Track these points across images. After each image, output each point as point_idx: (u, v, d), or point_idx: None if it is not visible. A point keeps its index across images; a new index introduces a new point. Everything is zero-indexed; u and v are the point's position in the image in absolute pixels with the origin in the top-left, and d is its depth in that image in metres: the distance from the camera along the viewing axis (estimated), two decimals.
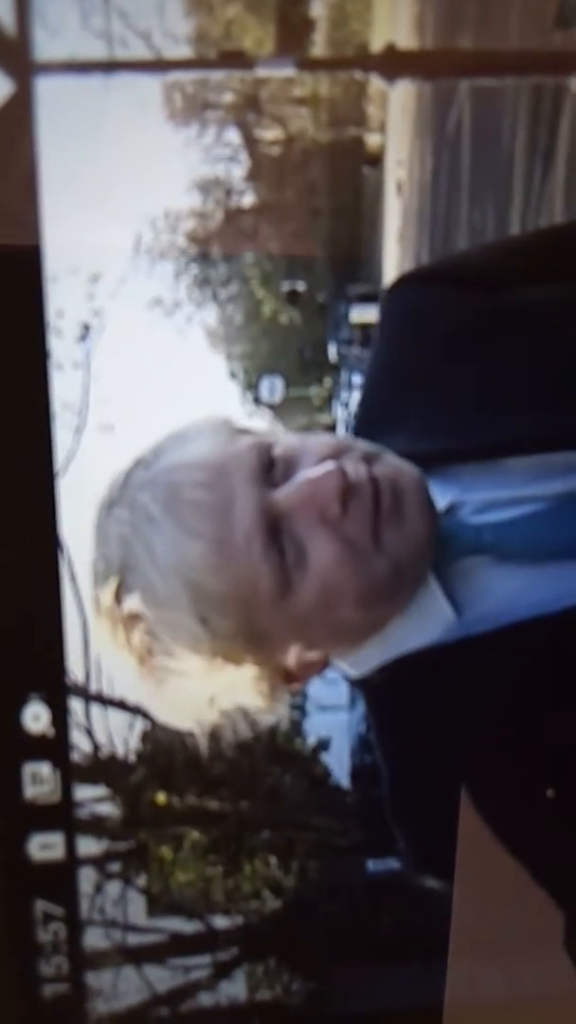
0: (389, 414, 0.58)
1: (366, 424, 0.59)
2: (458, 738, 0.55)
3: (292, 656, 0.54)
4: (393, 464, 0.52)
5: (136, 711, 0.63)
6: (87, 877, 0.64)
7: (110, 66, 0.62)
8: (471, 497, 0.55)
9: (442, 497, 0.54)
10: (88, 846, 0.63)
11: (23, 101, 0.57)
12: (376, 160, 0.77)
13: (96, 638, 0.54)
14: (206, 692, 0.52)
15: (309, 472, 0.50)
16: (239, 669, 0.52)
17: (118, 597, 0.52)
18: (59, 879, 0.58)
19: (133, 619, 0.52)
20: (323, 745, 0.67)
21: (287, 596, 0.50)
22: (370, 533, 0.50)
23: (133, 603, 0.51)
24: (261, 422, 0.60)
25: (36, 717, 0.57)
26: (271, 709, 0.55)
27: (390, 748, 0.58)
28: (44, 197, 0.57)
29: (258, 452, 0.50)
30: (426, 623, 0.54)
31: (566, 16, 0.62)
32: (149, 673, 0.53)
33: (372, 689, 0.56)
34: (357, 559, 0.50)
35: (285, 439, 0.52)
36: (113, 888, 0.66)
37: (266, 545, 0.49)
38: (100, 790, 0.65)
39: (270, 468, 0.50)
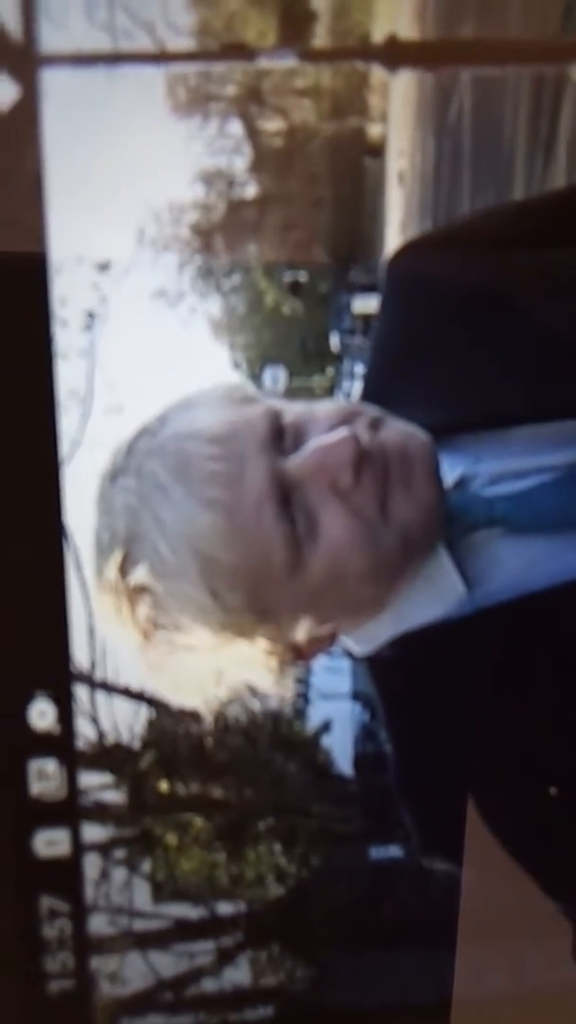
0: (395, 384, 0.57)
1: (373, 395, 0.59)
2: (466, 716, 0.55)
3: (301, 630, 0.53)
4: (401, 430, 0.52)
5: (141, 698, 0.63)
6: (93, 864, 0.64)
7: (114, 58, 0.62)
8: (481, 469, 0.55)
9: (452, 470, 0.54)
10: (94, 833, 0.64)
11: (29, 97, 0.57)
12: (378, 150, 0.77)
13: (99, 614, 0.53)
14: (212, 668, 0.52)
15: (321, 439, 0.49)
16: (247, 644, 0.51)
17: (123, 569, 0.51)
18: (65, 875, 0.58)
19: (139, 592, 0.51)
20: (325, 729, 0.67)
21: (297, 569, 0.49)
22: (378, 503, 0.49)
23: (140, 575, 0.50)
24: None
25: (42, 714, 0.58)
26: (278, 686, 0.55)
27: (397, 726, 0.58)
28: (49, 193, 0.57)
29: (268, 420, 0.50)
30: (436, 597, 0.54)
31: (571, 18, 0.62)
32: (154, 649, 0.52)
33: (380, 666, 0.56)
34: (367, 530, 0.50)
35: (293, 407, 0.51)
36: (119, 875, 0.67)
37: (277, 513, 0.48)
38: (105, 778, 0.65)
39: (280, 436, 0.50)
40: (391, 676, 0.57)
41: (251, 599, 0.50)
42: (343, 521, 0.49)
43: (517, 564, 0.54)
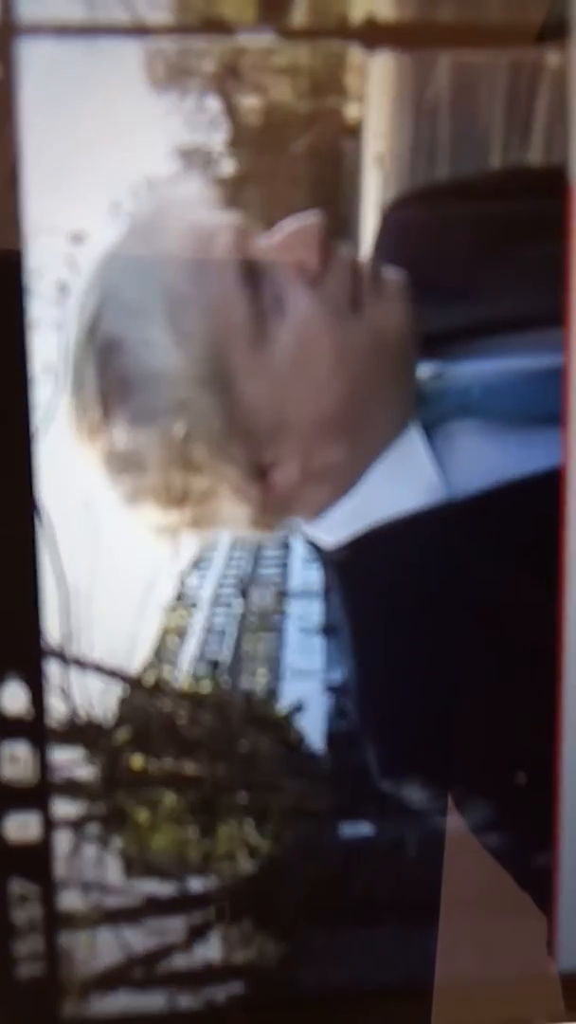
0: None
1: None
2: (433, 619, 0.54)
3: (267, 451, 0.52)
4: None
5: (114, 675, 0.63)
6: (64, 841, 0.64)
7: (91, 30, 0.62)
8: (458, 367, 0.55)
9: (429, 365, 0.55)
10: (66, 810, 0.64)
11: (6, 68, 0.57)
12: (356, 131, 0.77)
13: (84, 460, 0.52)
14: (178, 452, 0.51)
15: (291, 223, 0.50)
16: (213, 432, 0.50)
17: (92, 329, 0.51)
18: (35, 859, 0.58)
19: (109, 352, 0.51)
20: (298, 708, 0.67)
21: (262, 343, 0.49)
22: (349, 296, 0.50)
23: (105, 326, 0.49)
24: None
25: (13, 697, 0.58)
26: (239, 513, 0.54)
27: (359, 631, 0.57)
28: (25, 166, 0.56)
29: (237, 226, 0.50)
30: (407, 482, 0.54)
31: (546, 33, 0.63)
32: (126, 429, 0.51)
33: (344, 566, 0.56)
34: (336, 316, 0.50)
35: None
36: (90, 851, 0.67)
37: (242, 280, 0.49)
38: (78, 754, 0.65)
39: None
40: (356, 576, 0.56)
41: (216, 358, 0.49)
42: (310, 302, 0.50)
43: (488, 456, 0.54)
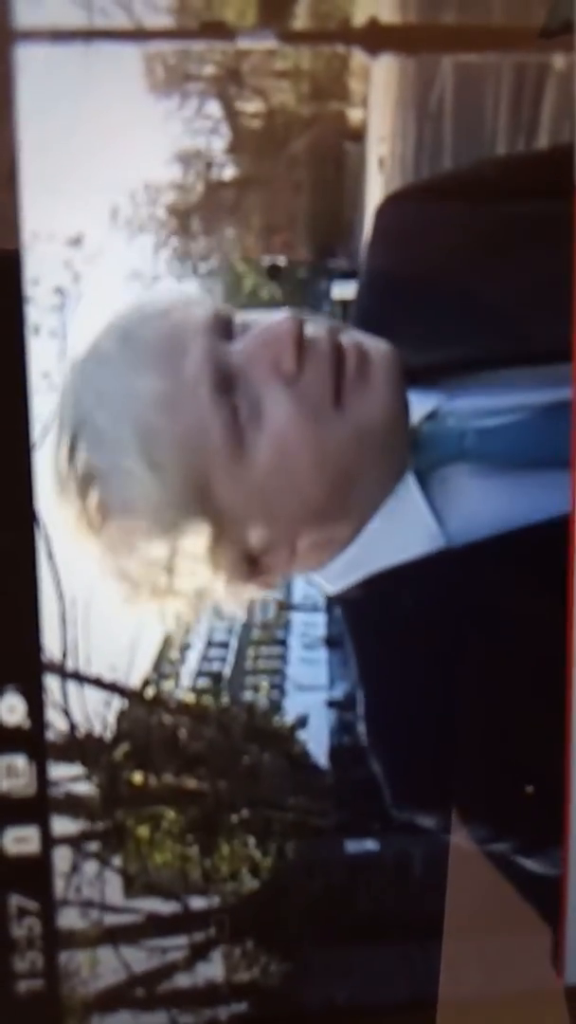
0: (379, 327, 0.57)
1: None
2: (439, 659, 0.54)
3: (253, 534, 0.52)
4: (360, 336, 0.51)
5: (114, 688, 0.62)
6: (63, 858, 0.63)
7: (90, 35, 0.61)
8: (455, 404, 0.54)
9: (425, 403, 0.53)
10: (65, 827, 0.63)
11: (4, 72, 0.56)
12: (358, 135, 0.76)
13: (60, 528, 0.52)
14: (164, 569, 0.50)
15: (264, 322, 0.49)
16: (197, 545, 0.50)
17: (71, 455, 0.50)
18: (34, 873, 0.58)
19: (88, 480, 0.50)
20: (301, 722, 0.66)
21: (240, 454, 0.48)
22: (331, 395, 0.49)
23: (82, 454, 0.49)
24: None
25: (11, 709, 0.57)
26: (236, 599, 0.54)
27: (368, 668, 0.57)
28: (23, 170, 0.56)
29: (217, 311, 0.49)
30: (406, 532, 0.53)
31: (551, 26, 0.62)
32: (110, 548, 0.51)
33: (351, 606, 0.55)
34: (315, 419, 0.49)
35: (249, 313, 0.51)
36: (90, 869, 0.66)
37: (216, 394, 0.48)
38: (77, 769, 0.64)
39: (227, 326, 0.50)
40: (362, 615, 0.56)
41: (194, 481, 0.49)
42: (287, 407, 0.49)
43: (488, 501, 0.54)
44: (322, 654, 0.66)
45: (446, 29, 0.73)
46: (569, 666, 0.53)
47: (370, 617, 0.57)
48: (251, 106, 0.68)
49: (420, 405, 0.55)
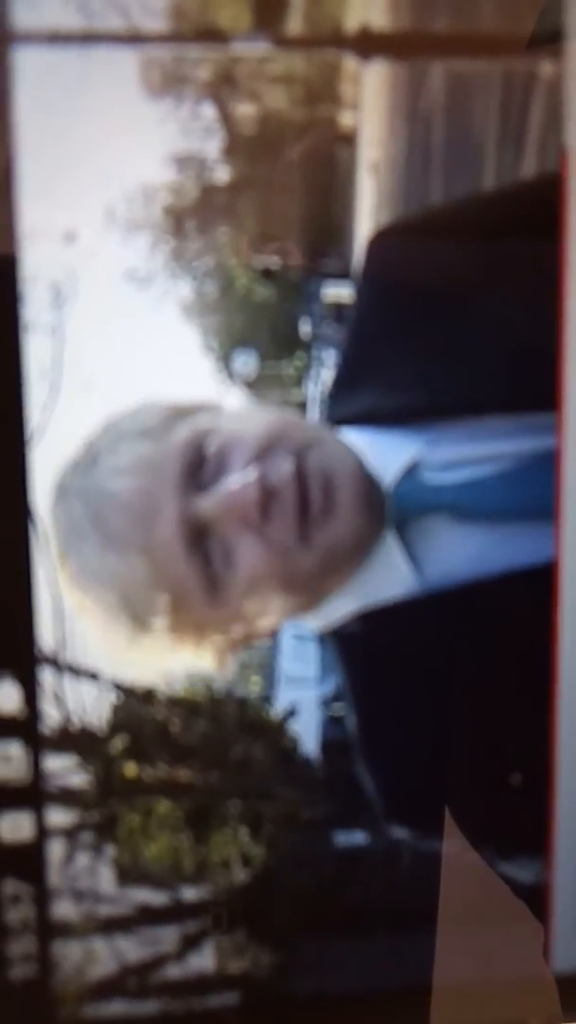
0: (365, 370, 0.58)
1: (344, 378, 0.59)
2: (423, 688, 0.56)
3: (235, 632, 0.55)
4: (329, 455, 0.53)
5: (107, 681, 0.63)
6: (57, 848, 0.64)
7: (87, 38, 0.62)
8: (434, 453, 0.56)
9: (405, 451, 0.55)
10: (58, 817, 0.63)
11: (1, 75, 0.57)
12: (350, 139, 0.77)
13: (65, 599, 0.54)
14: (157, 651, 0.53)
15: (230, 482, 0.51)
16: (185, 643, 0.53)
17: (61, 561, 0.53)
18: (28, 859, 0.58)
19: (71, 583, 0.53)
20: (291, 714, 0.67)
21: (217, 594, 0.51)
22: (296, 534, 0.51)
23: (68, 570, 0.52)
24: (208, 394, 0.60)
25: (5, 696, 0.57)
26: (222, 669, 0.56)
27: (358, 694, 0.59)
28: (20, 172, 0.56)
29: (186, 454, 0.51)
30: (386, 580, 0.55)
31: (540, 34, 0.63)
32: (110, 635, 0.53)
33: (339, 637, 0.57)
34: (285, 556, 0.51)
35: (225, 423, 0.52)
36: (83, 859, 0.66)
37: (190, 553, 0.51)
38: (71, 761, 0.64)
39: (199, 467, 0.51)
40: (350, 646, 0.58)
41: (175, 621, 0.52)
42: (258, 552, 0.51)
43: (465, 551, 0.56)
44: (313, 648, 0.67)
45: (437, 36, 0.75)
46: (552, 698, 0.54)
47: (356, 649, 0.59)
48: (245, 110, 0.69)
49: (399, 454, 0.56)
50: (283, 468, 0.52)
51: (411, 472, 0.55)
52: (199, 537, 0.52)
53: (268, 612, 0.57)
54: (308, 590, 0.56)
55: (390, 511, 0.54)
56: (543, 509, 0.52)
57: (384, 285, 0.60)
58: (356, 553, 0.56)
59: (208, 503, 0.52)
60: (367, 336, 0.61)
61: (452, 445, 0.56)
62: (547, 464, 0.52)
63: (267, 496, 0.52)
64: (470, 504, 0.54)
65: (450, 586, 0.56)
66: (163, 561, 0.52)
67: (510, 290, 0.58)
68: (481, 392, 0.57)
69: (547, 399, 0.53)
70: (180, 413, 0.55)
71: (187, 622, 0.54)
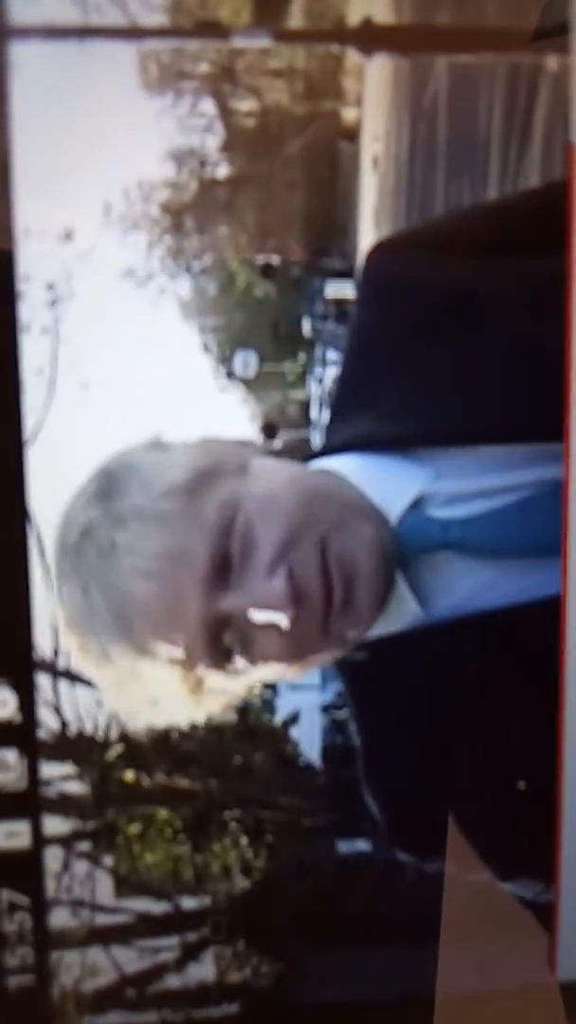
0: (366, 391, 0.57)
1: (344, 401, 0.59)
2: (430, 718, 0.55)
3: (238, 688, 0.55)
4: (349, 547, 0.52)
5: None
6: (54, 857, 0.63)
7: (84, 32, 0.61)
8: (440, 487, 0.55)
9: (410, 483, 0.54)
10: (56, 826, 0.62)
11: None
12: (353, 135, 0.76)
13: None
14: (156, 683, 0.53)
15: (258, 585, 0.50)
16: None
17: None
18: (25, 868, 0.57)
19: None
20: (293, 720, 0.66)
21: (227, 668, 0.51)
22: (319, 627, 0.50)
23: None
24: (228, 445, 0.58)
25: (2, 702, 0.57)
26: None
27: (364, 721, 0.58)
28: (16, 168, 0.56)
29: (214, 547, 0.50)
30: (393, 615, 0.55)
31: (545, 28, 0.62)
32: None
33: (346, 665, 0.57)
34: (304, 647, 0.51)
35: (249, 494, 0.51)
36: (80, 868, 0.65)
37: (209, 643, 0.50)
38: (68, 768, 0.64)
39: (224, 568, 0.50)
40: (356, 674, 0.57)
41: (183, 673, 0.51)
42: (278, 644, 0.51)
43: (470, 585, 0.55)
44: None
45: (440, 30, 0.73)
46: (559, 727, 0.53)
47: (362, 678, 0.58)
48: (245, 105, 0.68)
49: (404, 486, 0.55)
50: (310, 565, 0.51)
51: (417, 506, 0.54)
52: (221, 628, 0.52)
53: (274, 678, 0.57)
54: (319, 663, 0.57)
55: (397, 552, 0.53)
56: (549, 544, 0.51)
57: (383, 304, 0.59)
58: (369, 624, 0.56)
59: (235, 603, 0.51)
60: (366, 357, 0.59)
61: (457, 479, 0.55)
62: (553, 497, 0.51)
63: (295, 598, 0.51)
64: (476, 540, 0.53)
65: (455, 618, 0.55)
66: (181, 649, 0.52)
67: (512, 312, 0.57)
68: (484, 419, 0.55)
69: (553, 428, 0.51)
70: (202, 478, 0.53)
71: (191, 679, 0.53)
